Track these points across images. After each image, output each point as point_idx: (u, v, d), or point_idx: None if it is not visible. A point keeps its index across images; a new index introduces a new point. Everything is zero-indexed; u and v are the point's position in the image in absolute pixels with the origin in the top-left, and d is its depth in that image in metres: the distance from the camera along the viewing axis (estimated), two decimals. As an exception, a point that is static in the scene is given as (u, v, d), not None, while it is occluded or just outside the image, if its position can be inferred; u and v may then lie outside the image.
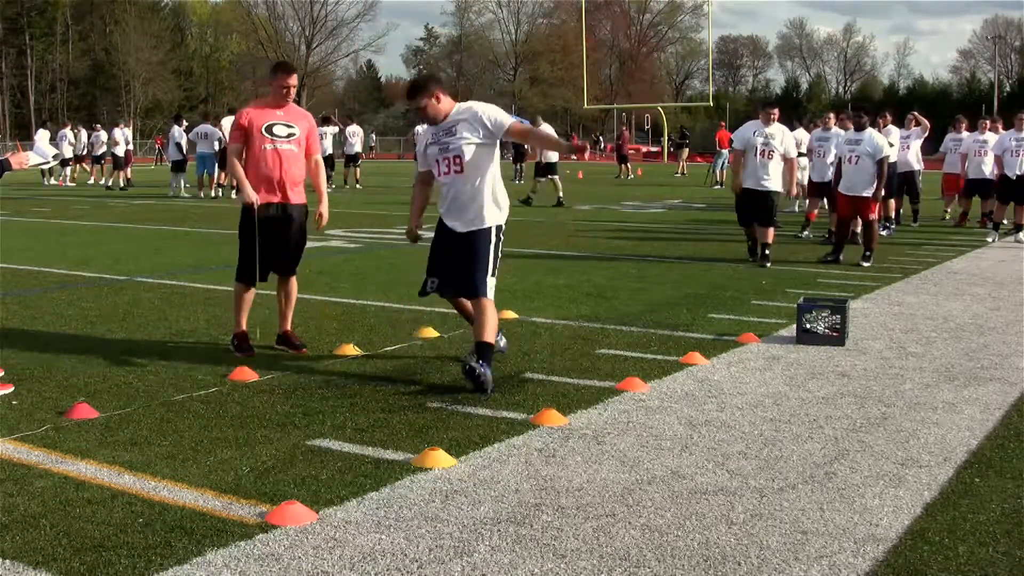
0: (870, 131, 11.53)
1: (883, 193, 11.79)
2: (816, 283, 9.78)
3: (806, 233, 14.41)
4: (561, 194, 20.99)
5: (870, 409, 5.25)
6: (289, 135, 6.35)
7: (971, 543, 3.52)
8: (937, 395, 5.56)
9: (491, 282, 5.67)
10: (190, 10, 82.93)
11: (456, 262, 5.74)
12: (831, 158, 13.50)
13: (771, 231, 11.25)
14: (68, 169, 29.28)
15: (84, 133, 31.37)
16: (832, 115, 14.68)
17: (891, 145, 14.78)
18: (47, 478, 4.10)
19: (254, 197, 6.28)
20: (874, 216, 11.38)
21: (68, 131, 30.18)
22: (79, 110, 70.78)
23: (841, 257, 11.44)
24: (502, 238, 5.77)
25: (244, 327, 6.49)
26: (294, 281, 6.63)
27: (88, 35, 75.75)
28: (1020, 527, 3.67)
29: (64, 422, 4.88)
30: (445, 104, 5.72)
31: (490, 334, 5.59)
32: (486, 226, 5.68)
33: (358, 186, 27.00)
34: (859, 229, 12.44)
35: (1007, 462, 4.43)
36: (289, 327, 6.63)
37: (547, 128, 17.13)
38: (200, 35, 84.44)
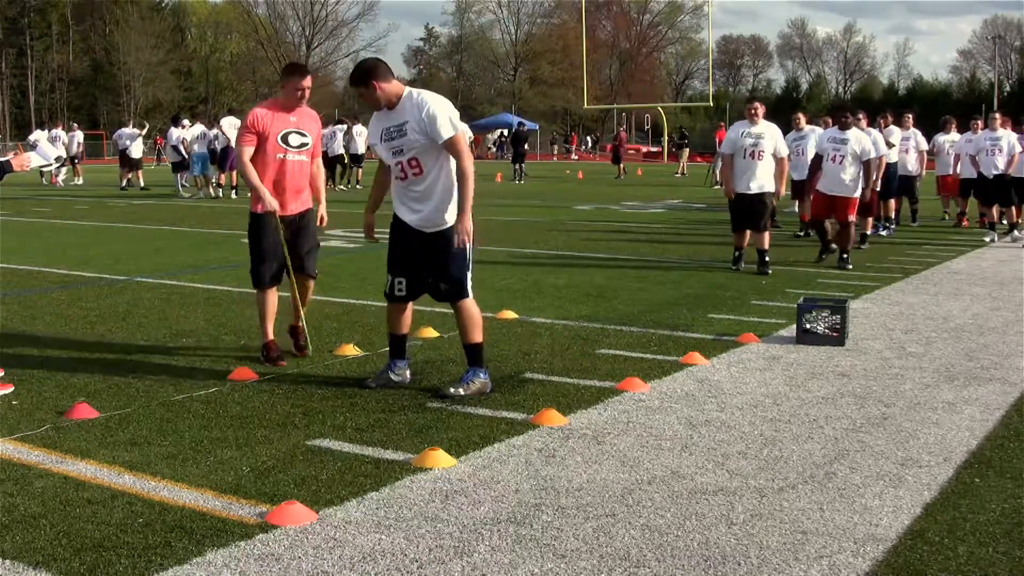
0: (856, 131, 11.37)
1: (870, 193, 11.73)
2: (816, 283, 9.78)
3: (803, 234, 14.41)
4: None
5: (870, 409, 5.25)
6: (301, 145, 6.23)
7: (971, 543, 3.52)
8: (937, 395, 5.56)
9: (469, 279, 5.50)
10: (190, 10, 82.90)
11: (429, 265, 5.46)
12: (811, 155, 13.42)
13: (767, 236, 10.57)
14: (65, 169, 29.26)
15: (60, 133, 30.75)
16: (802, 116, 15.33)
17: (892, 146, 14.82)
18: (47, 478, 4.10)
19: (275, 204, 6.11)
20: (852, 218, 11.10)
21: (61, 131, 30.09)
22: (79, 110, 70.86)
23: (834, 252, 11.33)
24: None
25: (271, 336, 6.33)
26: (311, 282, 6.54)
27: (88, 35, 75.65)
28: (1020, 527, 3.67)
29: (64, 422, 4.88)
30: (391, 89, 5.31)
31: (479, 332, 5.50)
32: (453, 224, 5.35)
33: (359, 186, 27.01)
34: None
35: (1007, 462, 4.43)
36: (299, 323, 6.51)
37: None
38: (200, 35, 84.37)
